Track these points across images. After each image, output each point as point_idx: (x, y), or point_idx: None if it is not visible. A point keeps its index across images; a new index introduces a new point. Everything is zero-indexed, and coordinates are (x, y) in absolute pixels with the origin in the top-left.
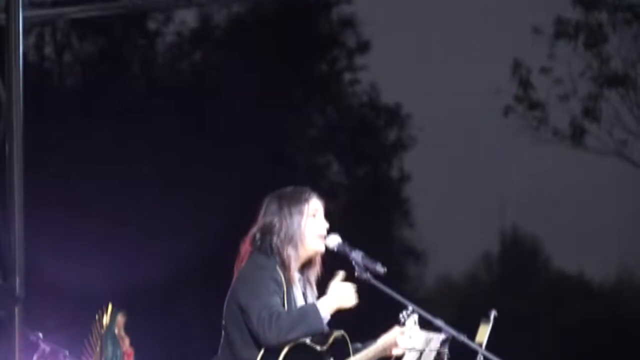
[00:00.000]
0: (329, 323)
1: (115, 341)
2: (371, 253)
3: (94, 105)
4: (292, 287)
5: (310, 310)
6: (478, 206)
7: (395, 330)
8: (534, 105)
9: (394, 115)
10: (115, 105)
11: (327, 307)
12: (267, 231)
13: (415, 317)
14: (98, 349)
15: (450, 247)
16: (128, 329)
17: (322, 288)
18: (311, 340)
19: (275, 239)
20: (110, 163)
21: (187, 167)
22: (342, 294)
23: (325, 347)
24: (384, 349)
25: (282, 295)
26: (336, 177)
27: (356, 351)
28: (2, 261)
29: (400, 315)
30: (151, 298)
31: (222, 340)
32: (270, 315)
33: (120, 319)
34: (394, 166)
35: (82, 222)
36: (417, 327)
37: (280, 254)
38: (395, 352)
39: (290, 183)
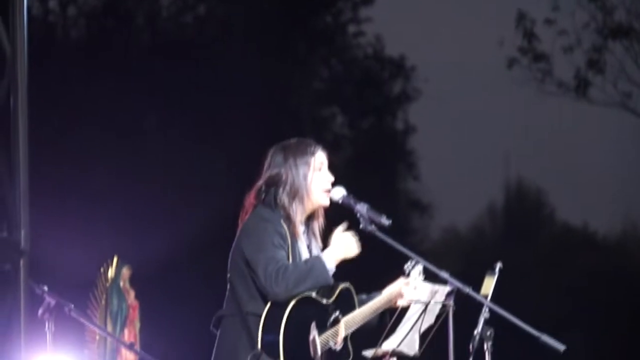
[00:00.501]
0: (335, 275)
1: (121, 294)
2: (376, 205)
3: (98, 58)
4: (296, 240)
5: (317, 263)
6: (482, 158)
7: (400, 281)
8: (538, 57)
9: (399, 67)
10: (119, 59)
11: (331, 258)
12: (273, 184)
13: (420, 267)
14: (103, 302)
15: (455, 200)
16: (133, 281)
17: (327, 240)
18: (317, 294)
19: (280, 192)
20: (114, 116)
21: (191, 120)
22: (344, 244)
23: (330, 300)
24: (389, 300)
25: (286, 249)
26: (340, 129)
27: (361, 302)
28: (7, 215)
29: (405, 266)
30: (157, 251)
31: (227, 293)
32: (277, 269)
33: (126, 271)
34: (399, 118)
35: (87, 175)
36: (422, 277)
37: (285, 208)
38: (401, 303)
39: (294, 135)
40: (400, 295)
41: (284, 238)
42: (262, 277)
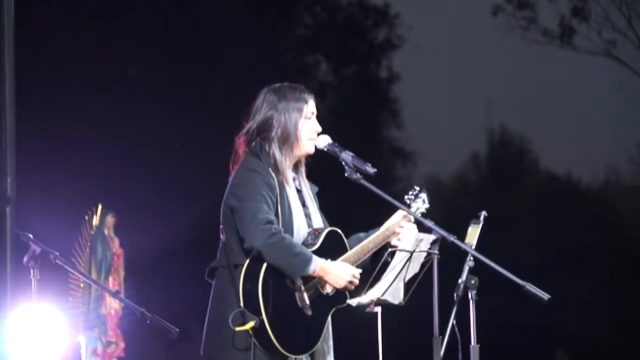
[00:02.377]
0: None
1: (105, 242)
2: (360, 154)
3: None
4: (284, 187)
5: (304, 257)
6: (466, 106)
7: (399, 214)
8: (523, 5)
9: (383, 15)
10: (103, 7)
11: (320, 268)
12: (264, 127)
13: (424, 195)
14: (88, 250)
15: (438, 148)
16: (118, 229)
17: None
18: (303, 242)
19: (271, 136)
20: (98, 65)
21: (173, 67)
22: (338, 274)
23: (316, 246)
24: (385, 237)
25: (274, 199)
26: (324, 76)
27: (359, 240)
28: None
29: (406, 197)
30: (142, 200)
31: (220, 244)
32: (270, 222)
33: (110, 219)
34: (383, 66)
35: (70, 124)
36: (426, 205)
37: (273, 156)
38: (393, 242)
39: (278, 82)
40: (399, 226)
41: (272, 188)
42: (248, 223)
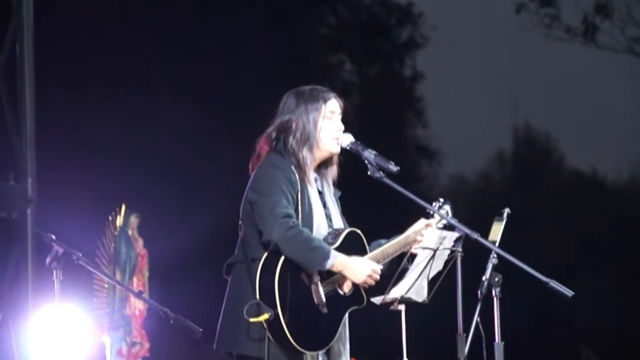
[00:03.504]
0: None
1: (129, 242)
2: (384, 152)
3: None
4: (306, 186)
5: (322, 251)
6: (491, 105)
7: (421, 222)
8: (546, 2)
9: (407, 14)
10: (124, 7)
11: (339, 263)
12: (283, 130)
13: (447, 207)
14: (111, 250)
15: (463, 146)
16: (142, 230)
17: (342, 186)
18: (322, 240)
19: (291, 139)
20: (121, 64)
21: (197, 68)
22: (358, 268)
23: (335, 245)
24: (407, 243)
25: (295, 195)
26: (349, 76)
27: (379, 246)
28: (14, 163)
29: (429, 209)
30: (166, 200)
31: (239, 240)
32: (288, 216)
33: (134, 220)
34: (407, 65)
35: (93, 124)
36: (447, 219)
37: (295, 155)
38: (414, 249)
39: (303, 82)
40: (420, 235)
41: (293, 185)
42: (266, 216)
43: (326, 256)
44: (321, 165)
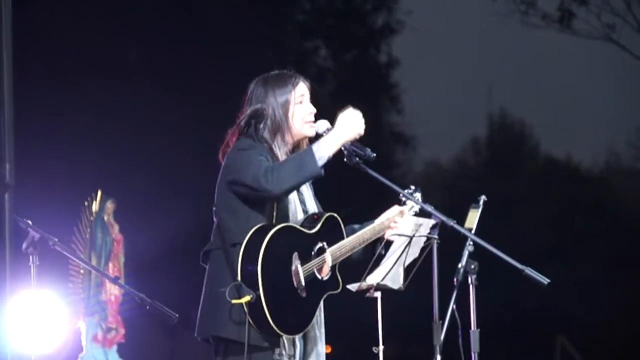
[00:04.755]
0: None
1: (105, 228)
2: (360, 139)
3: None
4: None
5: (306, 155)
6: (466, 91)
7: (394, 209)
8: None
9: (382, 0)
10: None
11: (327, 145)
12: (254, 121)
13: (418, 195)
14: (88, 236)
15: (438, 133)
16: (117, 216)
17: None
18: (301, 225)
19: (262, 127)
20: (99, 51)
21: (177, 54)
22: (347, 125)
23: (314, 230)
24: (381, 229)
25: None
26: (324, 62)
27: (353, 232)
28: None
29: (401, 195)
30: (142, 186)
31: (214, 227)
32: (265, 170)
33: (110, 206)
34: (382, 51)
35: (72, 110)
36: (419, 205)
37: (267, 142)
38: (388, 235)
39: (278, 68)
40: (393, 222)
41: (268, 160)
42: (252, 182)
43: (312, 156)
44: (293, 150)
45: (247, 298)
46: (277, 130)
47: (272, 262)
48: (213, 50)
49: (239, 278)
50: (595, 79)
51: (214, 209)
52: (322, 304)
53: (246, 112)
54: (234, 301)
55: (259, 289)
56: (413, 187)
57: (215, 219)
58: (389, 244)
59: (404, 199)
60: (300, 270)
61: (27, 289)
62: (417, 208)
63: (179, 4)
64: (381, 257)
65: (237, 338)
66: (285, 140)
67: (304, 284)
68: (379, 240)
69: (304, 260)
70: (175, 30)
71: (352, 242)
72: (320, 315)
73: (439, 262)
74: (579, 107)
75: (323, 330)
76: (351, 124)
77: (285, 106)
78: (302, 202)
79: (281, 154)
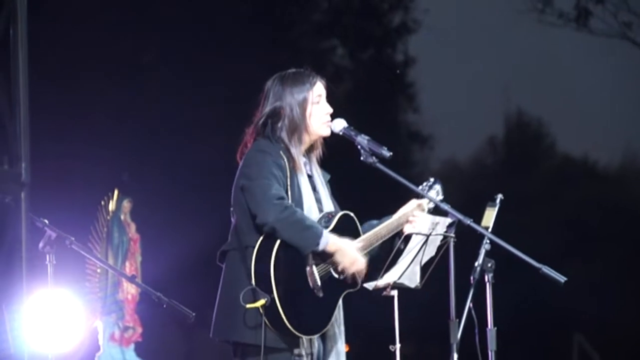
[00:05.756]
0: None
1: (122, 227)
2: (376, 137)
3: None
4: (295, 172)
5: (315, 230)
6: (483, 89)
7: (413, 203)
8: None
9: None
10: None
11: (333, 245)
12: (271, 120)
13: (438, 187)
14: (104, 235)
15: (455, 131)
16: (134, 215)
17: (326, 167)
18: (317, 221)
19: (279, 125)
20: (116, 51)
21: (189, 54)
22: (349, 258)
23: (329, 229)
24: (399, 224)
25: (284, 180)
26: (341, 61)
27: (371, 227)
28: (8, 147)
29: (420, 188)
30: (159, 186)
31: (231, 227)
32: (282, 198)
33: (126, 204)
34: (399, 50)
35: (88, 110)
36: (441, 197)
37: (284, 142)
38: (407, 229)
39: (294, 67)
40: (412, 215)
41: (282, 169)
42: (260, 200)
43: (319, 235)
44: (309, 149)
45: (262, 301)
46: (294, 129)
47: (285, 263)
48: (229, 50)
49: (253, 281)
50: (612, 77)
51: (231, 209)
52: (340, 302)
53: (263, 111)
54: (248, 305)
55: (272, 292)
56: (432, 179)
57: (232, 219)
58: (407, 238)
59: (424, 191)
60: (314, 271)
61: (43, 287)
62: (439, 198)
63: (194, 5)
64: (400, 252)
65: (254, 342)
66: (302, 140)
67: (319, 283)
68: (398, 234)
69: (319, 259)
70: (191, 30)
71: (368, 239)
72: (339, 313)
73: (456, 260)
74: (596, 106)
75: (342, 328)
76: (350, 261)
77: (303, 105)
78: (318, 201)
79: (297, 153)
